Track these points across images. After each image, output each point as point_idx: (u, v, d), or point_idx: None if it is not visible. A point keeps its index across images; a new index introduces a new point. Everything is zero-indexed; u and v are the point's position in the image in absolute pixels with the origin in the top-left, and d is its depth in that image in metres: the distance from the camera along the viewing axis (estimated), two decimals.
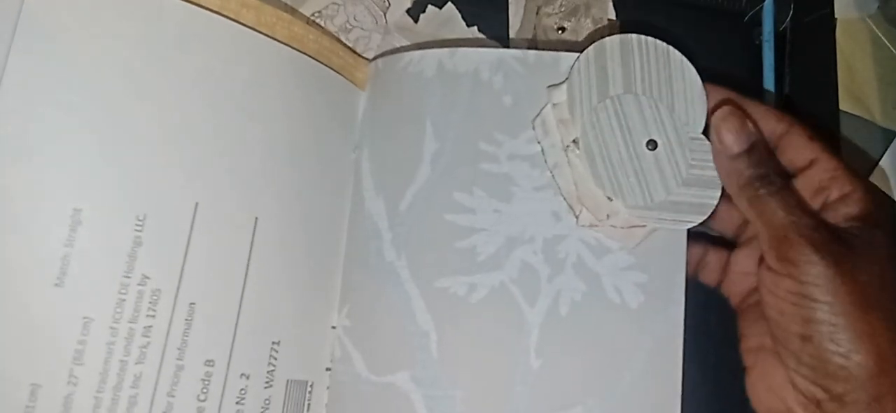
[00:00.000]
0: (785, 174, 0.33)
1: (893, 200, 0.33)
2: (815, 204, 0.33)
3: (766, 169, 0.32)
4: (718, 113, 0.33)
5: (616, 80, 0.35)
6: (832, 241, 0.31)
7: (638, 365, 0.34)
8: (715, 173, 0.34)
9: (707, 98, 0.35)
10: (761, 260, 0.33)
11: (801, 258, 0.30)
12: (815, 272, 0.30)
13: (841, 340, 0.30)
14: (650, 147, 0.34)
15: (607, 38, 0.35)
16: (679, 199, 0.34)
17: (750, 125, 0.33)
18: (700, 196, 0.34)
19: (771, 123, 0.34)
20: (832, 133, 0.42)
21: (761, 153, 0.33)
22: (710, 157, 0.34)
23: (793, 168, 0.34)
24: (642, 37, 0.35)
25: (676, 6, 0.44)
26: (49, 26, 0.30)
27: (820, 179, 0.33)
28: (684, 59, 0.35)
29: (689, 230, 0.35)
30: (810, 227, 0.31)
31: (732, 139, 0.33)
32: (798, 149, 0.34)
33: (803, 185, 0.33)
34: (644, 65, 0.35)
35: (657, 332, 0.35)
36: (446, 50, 0.37)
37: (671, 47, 0.35)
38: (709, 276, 0.38)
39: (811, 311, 0.30)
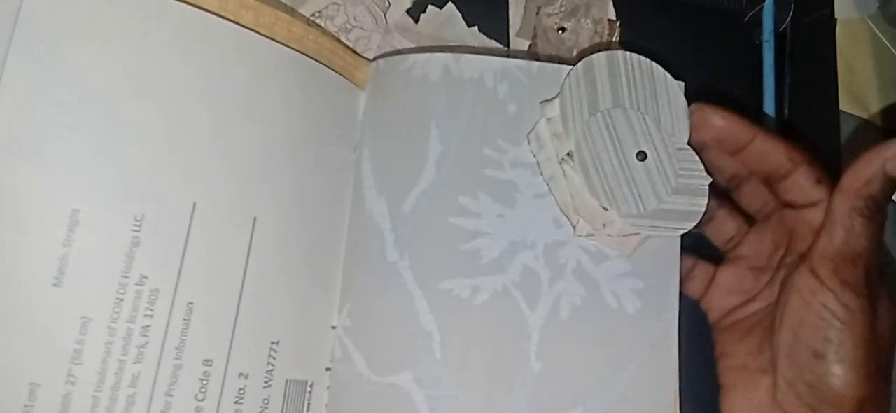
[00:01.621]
0: (884, 218, 0.33)
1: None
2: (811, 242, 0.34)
3: (884, 200, 0.32)
4: None
5: (605, 94, 0.36)
6: (879, 284, 0.32)
7: (635, 368, 0.35)
8: (702, 181, 0.35)
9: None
10: (800, 262, 0.34)
11: (852, 283, 0.31)
12: (857, 302, 0.31)
13: (846, 369, 0.31)
14: (640, 158, 0.35)
15: (595, 55, 0.36)
16: (670, 207, 0.35)
17: None
18: (689, 203, 0.35)
19: (781, 160, 0.35)
20: (832, 133, 0.42)
21: (893, 191, 0.33)
22: (697, 165, 0.35)
23: (794, 205, 0.35)
24: (627, 53, 0.37)
25: (676, 6, 0.44)
26: (47, 27, 0.30)
27: (819, 220, 0.34)
28: (667, 74, 0.37)
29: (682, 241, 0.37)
30: (873, 265, 0.32)
31: None
32: (802, 191, 0.34)
33: (801, 220, 0.35)
34: (630, 79, 0.36)
35: (653, 337, 0.36)
36: (451, 55, 0.38)
37: (654, 63, 0.37)
38: (693, 289, 0.39)
39: (834, 332, 0.31)
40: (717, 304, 0.38)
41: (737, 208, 0.38)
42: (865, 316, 0.31)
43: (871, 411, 0.31)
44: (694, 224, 0.35)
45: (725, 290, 0.38)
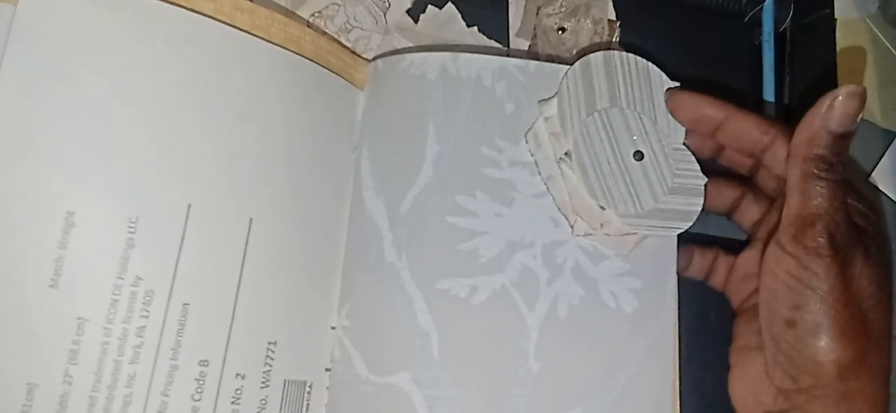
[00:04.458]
0: (844, 174, 0.32)
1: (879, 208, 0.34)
2: None
3: (836, 159, 0.31)
4: (846, 90, 0.31)
5: (602, 94, 0.36)
6: (850, 245, 0.31)
7: (633, 367, 0.35)
8: (698, 181, 0.35)
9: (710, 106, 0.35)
10: (770, 236, 0.34)
11: (814, 246, 0.31)
12: (821, 264, 0.30)
13: (821, 335, 0.30)
14: (637, 158, 0.35)
15: (592, 55, 0.37)
16: (666, 206, 0.35)
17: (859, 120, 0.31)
18: (685, 203, 0.35)
19: (755, 135, 0.35)
20: None
21: (843, 146, 0.31)
22: (693, 165, 0.36)
23: (777, 174, 0.35)
24: (624, 53, 0.37)
25: (676, 6, 0.44)
26: (42, 31, 0.31)
27: None
28: (663, 74, 0.37)
29: (699, 237, 0.37)
30: (837, 226, 0.31)
31: (840, 119, 0.31)
32: (781, 162, 0.34)
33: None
34: (627, 80, 0.36)
35: (650, 336, 0.36)
36: (449, 54, 0.38)
37: (650, 63, 0.37)
38: (717, 280, 0.39)
39: (803, 298, 0.31)
40: (735, 289, 0.38)
41: (762, 192, 0.38)
42: (833, 278, 0.30)
43: (858, 377, 0.31)
44: (690, 223, 0.35)
45: (743, 275, 0.37)
